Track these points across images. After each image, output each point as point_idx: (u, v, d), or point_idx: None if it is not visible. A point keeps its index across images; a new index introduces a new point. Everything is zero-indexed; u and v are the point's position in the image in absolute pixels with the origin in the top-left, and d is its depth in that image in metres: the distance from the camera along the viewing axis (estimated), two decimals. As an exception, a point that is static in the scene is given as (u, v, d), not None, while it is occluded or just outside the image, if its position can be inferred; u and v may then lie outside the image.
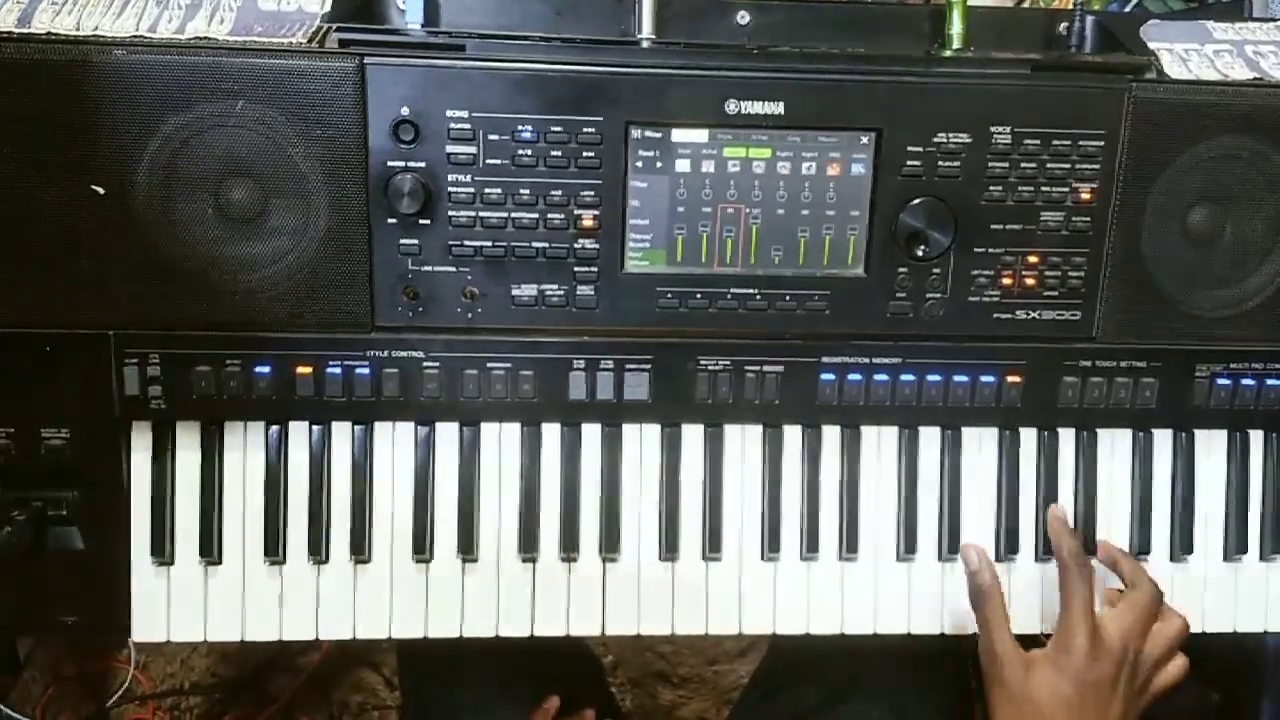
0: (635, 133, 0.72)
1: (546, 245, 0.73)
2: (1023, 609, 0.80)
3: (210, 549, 0.76)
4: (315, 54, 0.69)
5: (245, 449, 0.77)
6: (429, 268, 0.73)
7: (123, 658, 1.41)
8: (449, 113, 0.70)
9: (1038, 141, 0.73)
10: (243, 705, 1.46)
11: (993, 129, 0.72)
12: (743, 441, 0.80)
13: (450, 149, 0.70)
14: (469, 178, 0.71)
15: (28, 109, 0.67)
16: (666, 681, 1.55)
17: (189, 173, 0.69)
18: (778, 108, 0.71)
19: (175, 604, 0.76)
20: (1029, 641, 0.76)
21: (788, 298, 0.75)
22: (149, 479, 0.76)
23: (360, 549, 0.77)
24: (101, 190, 0.68)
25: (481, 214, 0.72)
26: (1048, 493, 0.81)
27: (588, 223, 0.73)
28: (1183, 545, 0.82)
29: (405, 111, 0.70)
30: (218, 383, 0.74)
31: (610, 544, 0.79)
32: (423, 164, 0.71)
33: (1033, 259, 0.75)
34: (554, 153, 0.71)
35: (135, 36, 0.69)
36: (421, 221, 0.71)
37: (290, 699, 1.47)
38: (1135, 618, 0.74)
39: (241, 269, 0.71)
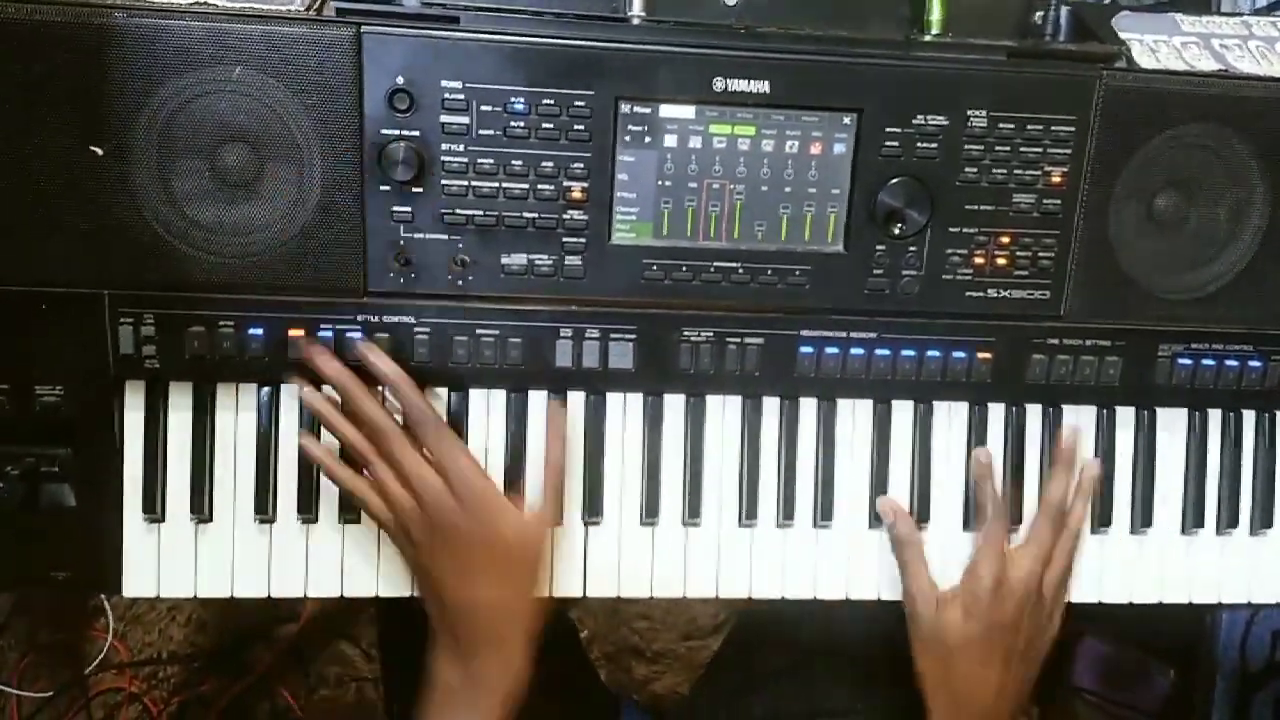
0: (624, 107, 0.74)
1: (536, 216, 0.75)
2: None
3: (201, 507, 0.78)
4: (313, 22, 0.70)
5: (237, 410, 0.78)
6: (421, 235, 0.74)
7: (100, 626, 1.41)
8: (443, 83, 0.71)
9: (1012, 125, 0.75)
10: (221, 675, 1.47)
11: (969, 112, 0.75)
12: (723, 411, 0.82)
13: (444, 119, 0.72)
14: (462, 147, 0.73)
15: (28, 69, 0.68)
16: (640, 656, 1.57)
17: (186, 136, 0.70)
18: (763, 86, 0.74)
19: (166, 560, 0.78)
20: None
21: (769, 272, 0.78)
22: (141, 437, 0.77)
23: (349, 508, 0.79)
24: (100, 151, 0.69)
25: (473, 183, 0.74)
26: (1014, 466, 0.84)
27: (577, 195, 0.75)
28: (1143, 519, 0.85)
29: (400, 81, 0.71)
30: (211, 344, 0.75)
31: (593, 508, 0.81)
32: (416, 133, 0.72)
33: (1005, 239, 0.78)
34: (545, 125, 0.73)
35: (135, 0, 0.70)
36: (414, 189, 0.73)
37: (268, 669, 1.48)
38: (1037, 555, 0.79)
39: (236, 232, 0.72)
